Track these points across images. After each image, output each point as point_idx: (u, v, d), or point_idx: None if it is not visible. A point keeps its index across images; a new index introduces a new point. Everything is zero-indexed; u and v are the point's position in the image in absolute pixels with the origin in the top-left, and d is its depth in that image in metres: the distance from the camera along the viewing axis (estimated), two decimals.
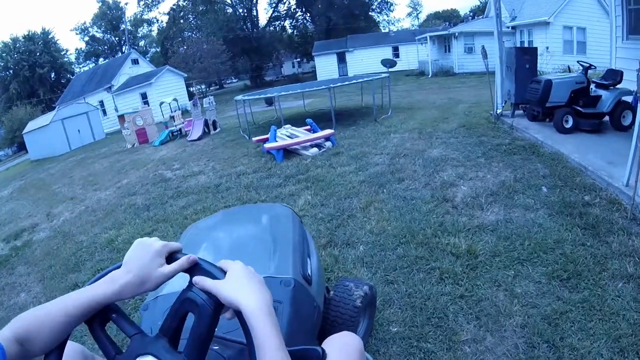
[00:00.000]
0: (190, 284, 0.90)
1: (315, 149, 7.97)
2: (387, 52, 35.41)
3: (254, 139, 9.30)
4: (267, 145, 7.99)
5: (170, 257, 0.96)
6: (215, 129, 13.66)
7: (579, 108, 7.72)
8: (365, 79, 10.85)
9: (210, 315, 0.86)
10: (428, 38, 27.97)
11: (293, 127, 9.12)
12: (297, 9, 48.68)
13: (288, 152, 8.06)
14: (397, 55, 35.76)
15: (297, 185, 6.36)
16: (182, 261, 0.94)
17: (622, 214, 4.13)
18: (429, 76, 26.06)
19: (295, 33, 51.62)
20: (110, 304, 0.93)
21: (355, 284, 2.37)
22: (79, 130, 23.20)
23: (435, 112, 11.19)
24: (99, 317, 0.92)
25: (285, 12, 49.22)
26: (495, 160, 6.36)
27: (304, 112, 14.04)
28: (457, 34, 25.80)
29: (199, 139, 12.58)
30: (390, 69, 23.91)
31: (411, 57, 33.71)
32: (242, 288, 0.86)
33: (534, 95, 7.83)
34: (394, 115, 11.10)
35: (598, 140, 7.24)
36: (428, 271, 3.52)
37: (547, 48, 19.70)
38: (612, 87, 7.86)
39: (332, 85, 10.04)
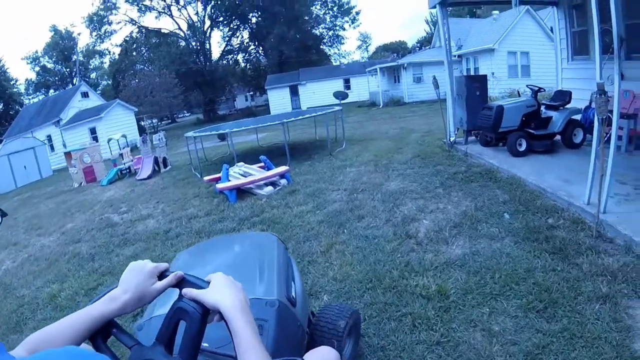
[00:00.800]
0: (180, 296, 1.01)
1: (270, 188, 7.62)
2: (338, 84, 36.01)
3: (206, 178, 8.78)
4: (220, 185, 7.55)
5: (161, 276, 1.09)
6: (165, 166, 13.00)
7: (531, 130, 7.82)
8: (319, 113, 10.71)
9: (199, 319, 0.96)
10: (378, 69, 28.68)
11: (246, 165, 8.74)
12: (250, 43, 49.31)
13: (242, 192, 7.66)
14: (348, 87, 36.42)
15: (252, 228, 5.96)
16: (171, 277, 1.07)
17: (587, 232, 4.13)
18: (380, 106, 26.57)
19: (248, 67, 51.90)
20: (111, 320, 1.03)
21: (339, 308, 2.46)
22: (25, 167, 21.94)
23: (388, 142, 11.17)
24: (101, 333, 1.01)
25: (238, 45, 49.69)
26: (454, 190, 6.22)
27: (258, 147, 13.75)
28: (405, 64, 26.53)
29: (149, 177, 11.89)
30: (342, 101, 24.17)
31: (362, 88, 34.41)
32: (221, 292, 0.99)
33: (486, 121, 7.86)
34: (349, 147, 10.99)
35: (552, 160, 7.31)
36: (399, 318, 3.24)
37: (493, 73, 20.43)
38: (561, 108, 8.01)
39: (285, 121, 9.79)
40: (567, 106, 8.20)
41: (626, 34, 8.01)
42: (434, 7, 9.13)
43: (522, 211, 5.03)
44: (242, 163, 8.86)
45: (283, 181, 7.94)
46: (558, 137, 7.97)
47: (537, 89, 8.17)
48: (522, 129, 7.84)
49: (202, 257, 2.48)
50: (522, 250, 3.95)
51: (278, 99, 37.27)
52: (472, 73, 22.80)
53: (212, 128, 13.43)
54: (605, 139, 4.38)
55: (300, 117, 10.68)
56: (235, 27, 47.80)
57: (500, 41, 22.01)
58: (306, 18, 46.17)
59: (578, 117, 8.00)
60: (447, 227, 4.87)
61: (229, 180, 7.78)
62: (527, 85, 8.69)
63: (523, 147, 7.65)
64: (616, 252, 3.69)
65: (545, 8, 24.97)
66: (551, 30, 23.16)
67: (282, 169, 8.06)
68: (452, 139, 9.13)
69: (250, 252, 2.42)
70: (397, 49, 63.12)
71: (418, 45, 51.73)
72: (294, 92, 37.54)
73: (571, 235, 4.10)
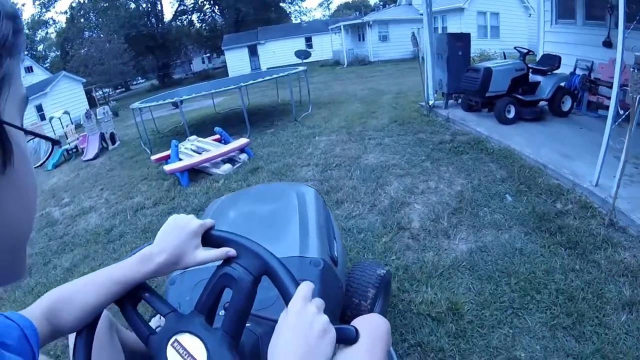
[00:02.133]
0: (227, 259, 0.88)
1: (228, 165, 6.48)
2: (300, 43, 34.16)
3: (153, 157, 7.44)
4: (169, 167, 6.33)
5: (206, 235, 0.93)
6: (114, 142, 11.43)
7: (519, 96, 7.12)
8: (281, 74, 9.42)
9: (249, 288, 0.84)
10: (342, 27, 27.20)
11: (200, 139, 7.51)
12: (205, 2, 45.82)
13: (196, 172, 6.51)
14: (310, 46, 34.69)
15: None
16: (221, 252, 0.88)
17: (598, 220, 3.69)
18: (345, 66, 25.20)
19: (203, 27, 48.67)
20: (142, 283, 0.90)
21: (373, 264, 2.37)
22: None
23: (359, 105, 10.17)
24: (129, 297, 0.90)
25: (192, 5, 46.07)
26: (443, 164, 5.44)
27: (214, 115, 12.37)
28: (371, 22, 25.13)
29: (95, 157, 10.37)
30: (304, 60, 22.77)
31: (325, 47, 32.84)
32: (283, 333, 0.75)
33: (472, 84, 7.04)
34: (315, 112, 9.94)
35: (543, 129, 6.75)
36: (406, 352, 2.50)
37: (453, 32, 19.43)
38: (549, 73, 7.37)
39: (243, 84, 8.52)
40: (556, 72, 7.60)
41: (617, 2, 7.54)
42: None
43: (525, 192, 4.43)
44: (194, 137, 7.61)
45: (243, 156, 6.80)
46: (543, 103, 7.48)
47: (525, 51, 7.52)
48: (510, 94, 7.14)
49: (238, 207, 2.26)
50: (535, 244, 3.39)
51: (236, 60, 34.94)
52: (439, 32, 21.92)
53: (161, 96, 11.33)
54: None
55: (260, 79, 9.30)
56: None
57: (471, 0, 21.35)
58: None
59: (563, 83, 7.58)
60: (445, 213, 4.11)
61: (180, 159, 6.59)
62: (515, 47, 7.92)
63: (512, 114, 6.97)
64: (632, 245, 3.29)
65: None
66: None
67: (242, 141, 6.87)
68: (431, 102, 8.29)
69: (289, 205, 2.14)
70: (360, 7, 61.19)
71: (381, 3, 49.94)
72: (253, 52, 35.28)
73: (583, 225, 3.61)
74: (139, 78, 51.78)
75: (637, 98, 3.37)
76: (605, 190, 4.06)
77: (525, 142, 5.99)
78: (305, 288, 0.79)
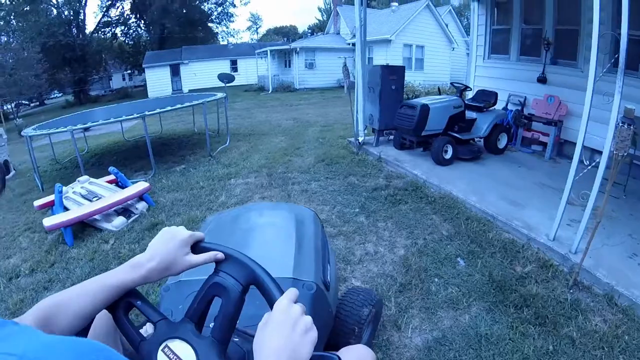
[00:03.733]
0: (217, 270, 0.92)
1: (121, 219, 5.09)
2: (225, 66, 32.92)
3: (36, 203, 5.55)
4: (49, 221, 4.68)
5: (195, 246, 0.98)
6: (8, 172, 9.14)
7: (456, 135, 6.58)
8: (194, 102, 8.09)
9: (237, 297, 0.87)
10: (268, 52, 26.43)
11: (92, 180, 5.90)
12: (131, 15, 42.38)
13: (84, 224, 5.04)
14: (235, 69, 33.55)
15: None
16: (209, 256, 0.94)
17: (561, 282, 3.41)
18: (269, 92, 24.39)
19: (127, 42, 45.67)
20: (133, 290, 0.93)
21: (365, 292, 2.32)
22: None
23: (283, 139, 9.25)
24: (122, 304, 0.92)
25: (117, 17, 42.26)
26: (380, 218, 4.63)
27: (123, 143, 10.67)
28: (298, 49, 24.58)
29: None
30: (227, 84, 21.55)
31: (250, 71, 31.94)
32: (270, 333, 0.79)
33: (406, 122, 6.41)
34: (234, 145, 8.86)
35: (483, 171, 6.32)
36: None
37: (388, 65, 19.39)
38: (485, 110, 6.94)
39: (148, 113, 7.05)
40: (492, 108, 7.34)
41: (554, 39, 7.67)
42: None
43: (477, 253, 3.87)
44: (86, 177, 5.96)
45: (141, 205, 5.45)
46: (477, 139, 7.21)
47: (463, 87, 7.01)
48: (446, 132, 6.60)
49: (235, 225, 2.15)
50: (501, 325, 2.89)
51: (157, 80, 32.66)
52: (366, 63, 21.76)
53: (63, 120, 9.12)
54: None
55: (169, 107, 7.68)
56: None
57: (398, 33, 21.64)
58: None
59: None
60: (391, 293, 3.28)
61: (65, 209, 5.07)
62: (452, 83, 7.43)
63: (449, 154, 6.42)
64: (600, 307, 3.09)
65: (443, 5, 25.26)
66: (447, 26, 23.50)
67: (140, 187, 5.46)
68: (360, 138, 7.55)
69: (288, 225, 2.05)
70: (288, 33, 61.00)
71: (309, 31, 49.83)
72: (176, 72, 33.13)
73: (548, 290, 3.28)
74: (56, 92, 47.49)
75: (622, 156, 2.70)
76: (563, 243, 3.84)
77: (467, 186, 5.43)
78: (292, 291, 0.84)
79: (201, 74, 31.66)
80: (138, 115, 6.89)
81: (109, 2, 40.48)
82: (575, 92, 7.43)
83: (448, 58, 24.21)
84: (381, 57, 21.39)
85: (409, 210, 4.78)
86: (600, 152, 6.74)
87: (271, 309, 0.81)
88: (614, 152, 2.79)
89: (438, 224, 4.47)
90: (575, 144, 7.41)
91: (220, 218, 2.34)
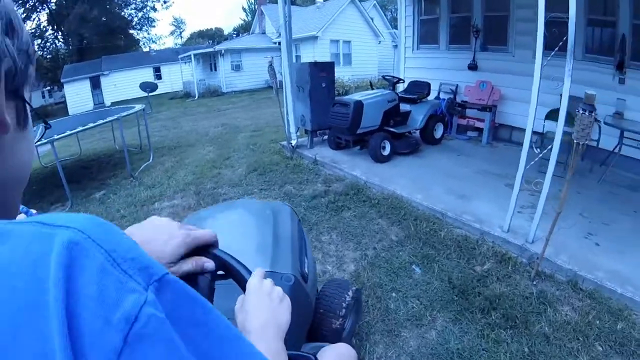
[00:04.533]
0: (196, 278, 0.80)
1: None
2: (148, 74, 31.17)
3: None
4: None
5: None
6: None
7: (392, 129, 6.27)
8: (108, 119, 7.06)
9: (207, 285, 0.79)
10: (192, 56, 25.24)
11: None
12: (48, 27, 38.87)
13: None
14: (159, 77, 31.97)
15: None
16: (193, 265, 0.77)
17: (523, 275, 3.28)
18: (196, 98, 23.24)
19: (44, 56, 42.27)
20: None
21: (342, 283, 2.37)
22: None
23: (211, 149, 8.56)
24: None
25: (33, 30, 38.39)
26: (323, 230, 4.20)
27: (40, 170, 8.93)
28: (223, 51, 23.57)
29: None
30: (150, 94, 20.46)
31: (175, 78, 30.50)
32: (251, 309, 0.78)
33: (340, 121, 6.00)
34: (158, 160, 8.05)
35: (422, 163, 6.14)
36: None
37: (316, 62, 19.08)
38: (419, 101, 6.70)
39: (56, 137, 5.74)
40: (425, 99, 7.14)
41: (483, 26, 7.71)
42: None
43: (432, 256, 3.61)
44: None
45: None
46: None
47: (395, 79, 6.73)
48: (382, 128, 6.26)
49: (215, 220, 2.19)
50: (471, 336, 2.67)
51: (77, 95, 29.91)
52: (293, 61, 21.26)
53: None
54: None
55: (81, 127, 6.44)
56: (31, 7, 36.66)
57: (324, 29, 21.31)
58: None
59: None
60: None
61: None
62: (383, 76, 7.14)
63: (387, 151, 6.10)
64: (566, 295, 3.01)
65: (367, 0, 25.37)
66: (372, 20, 23.53)
67: None
68: (293, 142, 7.09)
69: (265, 220, 2.09)
70: (214, 35, 59.25)
71: (235, 33, 48.45)
72: (96, 84, 30.60)
73: (512, 288, 3.13)
74: None
75: (582, 145, 2.40)
76: (518, 233, 3.74)
77: (411, 183, 5.14)
78: (259, 271, 0.85)
79: (124, 84, 29.81)
80: (46, 140, 5.84)
81: (24, 14, 37.23)
82: (507, 77, 7.43)
83: (375, 51, 24.24)
84: (309, 55, 20.98)
85: (353, 217, 4.38)
86: (541, 134, 6.84)
87: (244, 291, 0.81)
88: (575, 141, 2.47)
89: (386, 228, 4.11)
90: (511, 127, 7.49)
91: (199, 216, 2.30)
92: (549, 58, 3.07)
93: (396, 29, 29.30)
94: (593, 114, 2.42)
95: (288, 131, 7.11)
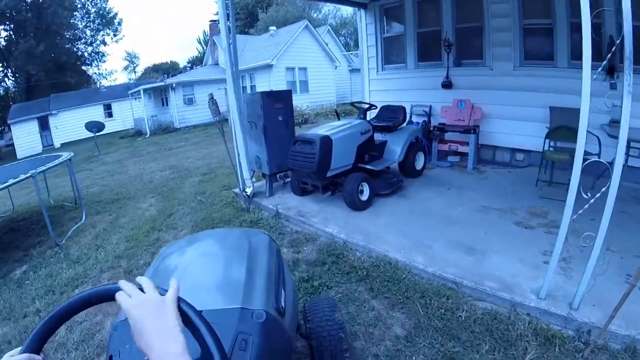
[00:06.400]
0: None
1: None
2: (98, 112, 29.39)
3: None
4: None
5: None
6: None
7: (369, 167, 5.19)
8: (31, 173, 5.78)
9: None
10: (142, 92, 23.70)
11: None
12: None
13: None
14: (110, 115, 30.31)
15: None
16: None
17: (571, 354, 2.45)
18: (147, 136, 21.74)
19: None
20: None
21: (327, 301, 2.32)
22: None
23: (153, 202, 7.21)
24: None
25: None
26: None
27: None
28: (174, 84, 22.26)
29: None
30: (97, 134, 18.87)
31: (126, 115, 28.96)
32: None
33: (305, 162, 4.83)
34: (92, 219, 6.60)
35: (410, 205, 5.03)
36: None
37: (271, 90, 18.26)
38: (394, 128, 5.69)
39: None
40: (402, 126, 6.17)
41: (455, 39, 7.02)
42: None
43: (459, 355, 2.55)
44: None
45: None
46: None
47: (367, 106, 5.67)
48: (356, 165, 5.14)
49: (187, 252, 2.02)
50: None
51: (25, 136, 27.78)
52: (249, 91, 20.19)
53: None
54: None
55: (12, 180, 5.46)
56: None
57: (279, 57, 20.49)
58: (64, 32, 36.86)
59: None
60: None
61: None
62: (351, 103, 6.06)
63: (366, 195, 5.00)
64: None
65: (320, 26, 24.71)
66: (327, 45, 22.86)
67: None
68: (248, 190, 5.87)
69: (239, 252, 1.92)
70: (169, 69, 57.41)
71: (189, 65, 46.88)
72: (44, 125, 28.54)
73: None
74: None
75: None
76: (556, 298, 2.89)
77: (403, 237, 4.05)
78: (124, 284, 0.84)
79: (72, 123, 27.94)
80: None
81: None
82: (487, 93, 6.70)
83: (332, 77, 23.54)
84: (264, 84, 20.08)
85: (338, 300, 3.21)
86: (525, 151, 5.90)
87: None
88: None
89: (385, 316, 2.98)
90: (494, 147, 6.60)
91: (172, 249, 2.08)
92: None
93: (351, 52, 28.84)
94: None
95: (241, 177, 5.89)
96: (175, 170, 9.83)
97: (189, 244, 2.22)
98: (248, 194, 5.78)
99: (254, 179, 6.08)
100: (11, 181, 5.65)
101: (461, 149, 6.66)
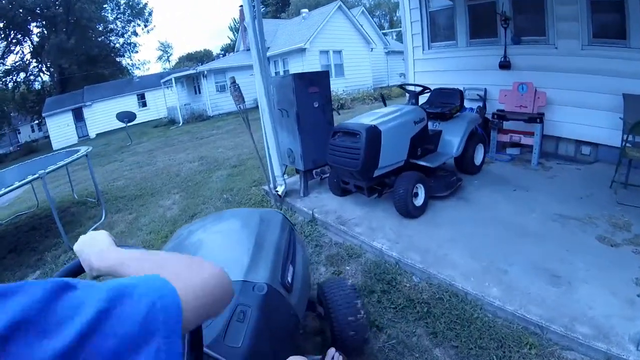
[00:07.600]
0: None
1: None
2: (132, 102, 29.36)
3: None
4: None
5: None
6: None
7: (423, 163, 4.32)
8: (40, 172, 5.05)
9: None
10: (173, 80, 23.37)
11: None
12: (31, 60, 37.04)
13: None
14: (144, 104, 30.23)
15: None
16: None
17: None
18: (180, 124, 21.33)
19: (30, 89, 39.65)
20: None
21: (341, 283, 2.25)
22: None
23: (177, 199, 6.58)
24: None
25: (17, 63, 36.54)
26: None
27: None
28: (206, 72, 21.76)
29: None
30: (129, 124, 18.45)
31: (160, 104, 28.74)
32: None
33: (347, 159, 4.00)
34: (111, 218, 6.07)
35: (473, 211, 4.13)
36: None
37: (303, 72, 17.47)
38: (450, 116, 4.79)
39: None
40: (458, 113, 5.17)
41: (512, 13, 6.06)
42: None
43: None
44: None
45: None
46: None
47: (419, 89, 4.78)
48: (409, 162, 4.30)
49: (200, 232, 2.08)
50: None
51: (60, 128, 28.07)
52: (269, 75, 19.40)
53: None
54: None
55: (17, 183, 4.71)
56: (15, 40, 35.18)
57: (312, 40, 19.54)
58: (95, 25, 36.94)
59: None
60: None
61: None
62: (399, 86, 5.18)
63: (421, 199, 4.14)
64: None
65: (354, 7, 23.61)
66: (362, 26, 21.82)
67: None
68: (279, 189, 5.12)
69: (249, 229, 1.99)
70: (202, 58, 57.43)
71: (222, 52, 46.54)
72: (79, 116, 28.73)
73: None
74: None
75: None
76: None
77: (470, 258, 3.19)
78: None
79: (107, 114, 27.80)
80: None
81: (6, 48, 35.42)
82: (550, 75, 5.65)
83: (368, 59, 22.46)
84: (298, 68, 19.21)
85: (390, 349, 2.43)
86: (592, 144, 4.84)
87: None
88: None
89: None
90: (556, 138, 5.80)
91: (189, 230, 2.15)
92: None
93: (387, 32, 27.51)
94: None
95: (271, 174, 5.14)
96: (204, 161, 9.19)
97: (200, 224, 2.23)
98: (279, 193, 5.03)
99: (285, 176, 5.33)
100: (17, 184, 5.08)
101: (524, 140, 5.70)
